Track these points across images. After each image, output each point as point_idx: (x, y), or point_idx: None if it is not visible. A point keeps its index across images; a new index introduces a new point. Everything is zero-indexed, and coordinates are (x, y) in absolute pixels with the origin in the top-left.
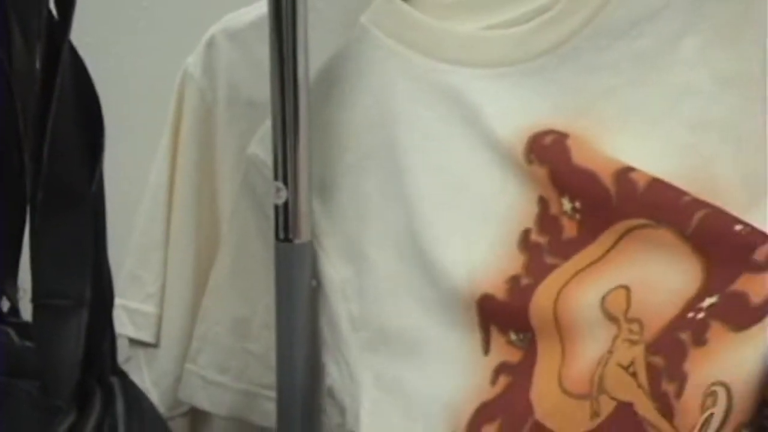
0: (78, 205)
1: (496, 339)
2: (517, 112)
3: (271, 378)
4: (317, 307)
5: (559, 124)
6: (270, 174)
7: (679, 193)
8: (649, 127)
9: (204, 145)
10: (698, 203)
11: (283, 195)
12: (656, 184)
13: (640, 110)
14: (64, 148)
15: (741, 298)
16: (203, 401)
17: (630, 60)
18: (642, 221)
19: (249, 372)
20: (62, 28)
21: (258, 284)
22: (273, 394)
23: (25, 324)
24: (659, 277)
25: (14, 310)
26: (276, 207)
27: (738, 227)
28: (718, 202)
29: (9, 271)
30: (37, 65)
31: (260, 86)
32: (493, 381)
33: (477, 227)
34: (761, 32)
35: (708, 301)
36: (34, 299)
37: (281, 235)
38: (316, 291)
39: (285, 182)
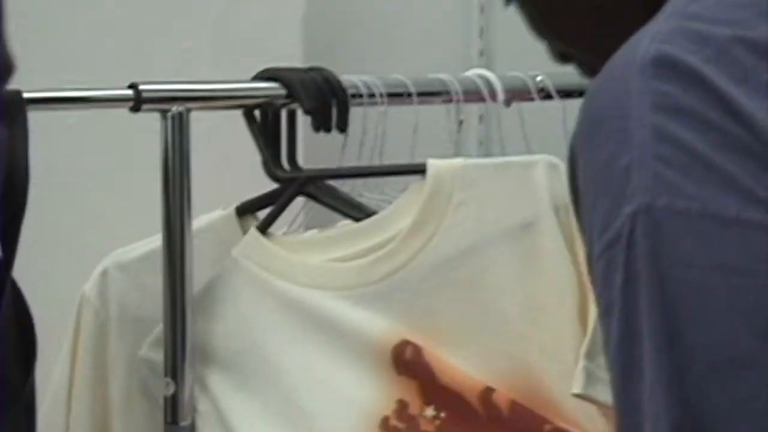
0: (15, 401)
1: None
2: (364, 324)
3: None
4: None
5: (406, 331)
6: (158, 369)
7: (541, 420)
8: (470, 340)
9: (98, 352)
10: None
11: (172, 388)
12: (517, 407)
13: (460, 327)
14: (5, 358)
15: None
16: None
17: (447, 287)
18: None
19: None
20: (7, 266)
21: None
22: None
23: None
24: None
25: None
26: (165, 398)
27: None
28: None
29: None
30: None
31: (145, 306)
32: None
33: (343, 413)
34: (556, 268)
35: None
36: None
37: (169, 420)
38: None
39: (174, 378)
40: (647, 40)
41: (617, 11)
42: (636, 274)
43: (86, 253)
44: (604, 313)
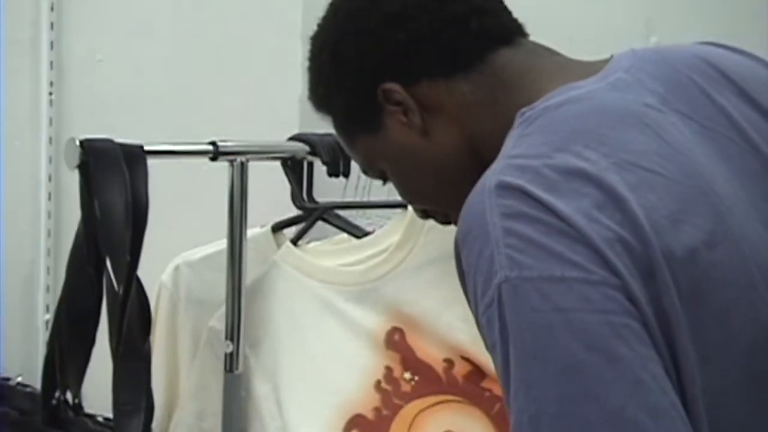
0: (138, 354)
1: None
2: (366, 312)
3: None
4: (246, 407)
5: (393, 319)
6: (221, 336)
7: (483, 390)
8: (437, 322)
9: (171, 322)
10: (496, 398)
11: (231, 347)
12: (469, 377)
13: (430, 313)
14: (132, 326)
15: None
16: None
17: (422, 284)
18: (459, 398)
19: None
20: (133, 266)
21: (211, 395)
22: None
23: (92, 415)
24: (472, 430)
25: (80, 406)
26: (225, 354)
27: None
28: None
29: (80, 384)
30: (118, 283)
31: (205, 292)
32: None
33: (349, 373)
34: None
35: None
36: (115, 406)
37: (228, 368)
38: (245, 398)
39: (232, 340)
40: (491, 174)
41: (455, 175)
42: (506, 323)
43: (163, 255)
44: (492, 350)
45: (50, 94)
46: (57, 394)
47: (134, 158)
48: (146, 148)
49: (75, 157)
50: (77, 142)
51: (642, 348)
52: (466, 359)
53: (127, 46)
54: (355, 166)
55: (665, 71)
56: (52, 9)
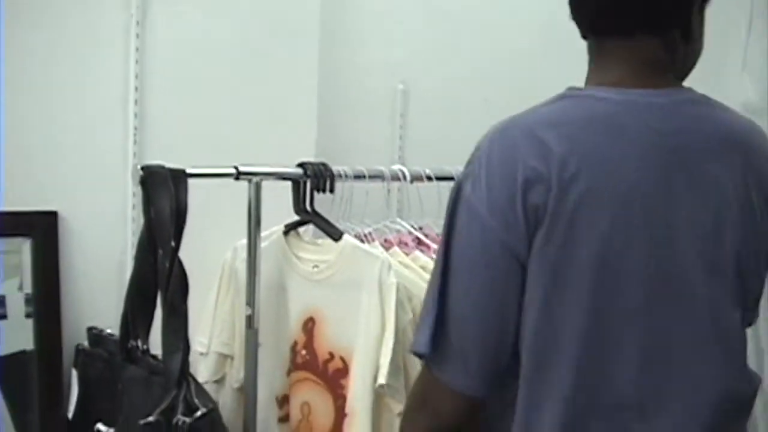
0: (179, 313)
1: None
2: (301, 298)
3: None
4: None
5: (313, 312)
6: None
7: (340, 384)
8: (336, 325)
9: (230, 281)
10: (344, 395)
11: (250, 311)
12: (337, 372)
13: (335, 318)
14: (175, 293)
15: None
16: None
17: (337, 297)
18: (321, 383)
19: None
20: (175, 251)
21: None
22: None
23: (154, 356)
24: (320, 406)
25: (147, 350)
26: (246, 316)
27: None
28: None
29: (147, 334)
30: (166, 263)
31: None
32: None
33: (281, 336)
34: (373, 304)
35: None
36: (163, 347)
37: (248, 326)
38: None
39: (249, 305)
40: (515, 117)
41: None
42: (446, 224)
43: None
44: (443, 230)
45: (135, 135)
46: (131, 340)
47: (178, 178)
48: (187, 171)
49: (137, 177)
50: (139, 167)
51: (502, 279)
52: (342, 359)
53: (189, 105)
54: (337, 185)
55: None
56: (136, 77)
